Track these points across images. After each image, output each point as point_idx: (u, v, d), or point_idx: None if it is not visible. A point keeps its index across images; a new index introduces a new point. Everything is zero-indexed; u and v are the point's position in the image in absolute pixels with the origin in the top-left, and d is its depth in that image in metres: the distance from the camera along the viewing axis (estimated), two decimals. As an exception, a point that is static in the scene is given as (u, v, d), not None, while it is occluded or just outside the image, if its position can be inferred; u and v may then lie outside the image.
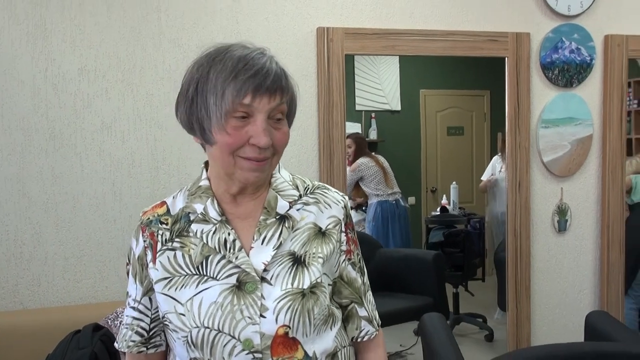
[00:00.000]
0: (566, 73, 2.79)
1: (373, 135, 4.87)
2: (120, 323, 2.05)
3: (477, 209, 4.42)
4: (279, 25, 2.46)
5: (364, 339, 1.15)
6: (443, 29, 2.64)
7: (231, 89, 0.94)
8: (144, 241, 1.07)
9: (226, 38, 2.36)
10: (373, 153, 4.28)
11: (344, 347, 1.09)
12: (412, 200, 4.95)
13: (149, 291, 1.07)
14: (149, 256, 1.06)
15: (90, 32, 2.28)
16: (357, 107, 4.52)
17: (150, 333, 1.08)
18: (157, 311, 1.07)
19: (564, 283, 2.90)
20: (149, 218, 1.09)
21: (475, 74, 4.44)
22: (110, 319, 2.06)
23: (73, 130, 2.28)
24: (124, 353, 1.10)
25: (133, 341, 1.08)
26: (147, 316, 1.08)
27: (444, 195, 4.62)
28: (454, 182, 4.60)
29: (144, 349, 1.08)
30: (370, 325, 1.16)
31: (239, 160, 0.99)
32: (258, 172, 1.00)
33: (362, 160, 3.83)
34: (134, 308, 1.08)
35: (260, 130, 0.96)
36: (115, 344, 1.11)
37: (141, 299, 1.08)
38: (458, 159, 5.06)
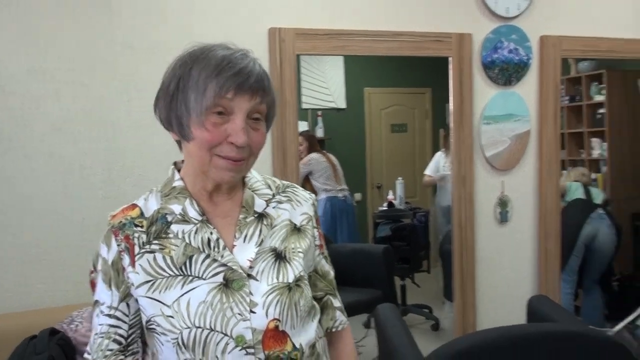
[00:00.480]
0: (505, 72, 2.93)
1: (320, 133, 4.94)
2: (76, 327, 2.03)
3: (422, 203, 4.56)
4: (232, 26, 2.48)
5: (338, 329, 1.21)
6: (391, 29, 2.72)
7: (213, 86, 0.96)
8: (118, 245, 1.04)
9: (178, 39, 2.36)
10: (324, 150, 4.35)
11: (320, 337, 1.14)
12: (358, 196, 5.05)
13: (126, 297, 1.04)
14: (126, 260, 1.03)
15: (39, 32, 2.23)
16: (304, 106, 4.58)
17: (129, 340, 1.05)
18: (135, 317, 1.05)
19: (506, 271, 3.04)
20: (120, 221, 1.05)
21: (417, 73, 4.59)
22: (65, 324, 2.04)
23: (22, 132, 2.23)
24: None
25: (110, 350, 1.04)
26: (125, 322, 1.05)
27: (390, 191, 4.75)
28: (399, 178, 4.73)
29: (122, 357, 1.05)
30: (343, 316, 1.23)
31: (215, 159, 0.99)
32: (233, 172, 1.02)
33: (312, 155, 3.90)
34: (109, 315, 1.04)
35: (238, 129, 0.97)
36: (87, 355, 1.06)
37: (118, 305, 1.04)
38: (402, 155, 5.20)
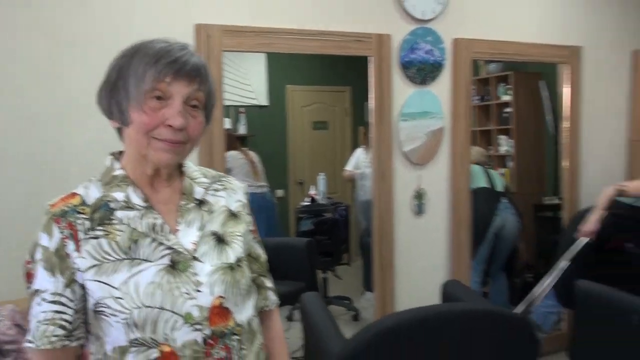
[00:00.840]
0: (422, 72, 3.10)
1: (243, 129, 4.97)
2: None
3: (343, 198, 4.70)
4: (158, 21, 2.48)
5: (270, 308, 1.30)
6: (315, 28, 2.81)
7: (152, 72, 1.01)
8: (61, 232, 1.05)
9: (103, 32, 2.34)
10: (244, 148, 4.38)
11: (255, 316, 1.21)
12: (281, 192, 5.12)
13: (71, 282, 1.05)
14: (71, 246, 1.05)
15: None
16: (226, 103, 4.58)
17: (74, 325, 1.06)
18: (80, 303, 1.06)
19: (422, 260, 3.21)
20: (62, 209, 1.07)
21: (337, 72, 4.71)
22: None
23: None
24: (37, 351, 1.05)
25: (56, 336, 1.04)
26: (71, 308, 1.06)
27: (312, 186, 4.85)
28: (321, 174, 4.85)
29: (68, 342, 1.06)
30: (274, 296, 1.32)
31: (153, 142, 1.04)
32: (171, 154, 1.06)
33: (230, 153, 3.94)
34: (54, 302, 1.05)
35: (175, 112, 1.03)
36: (29, 344, 1.05)
37: (64, 291, 1.05)
38: (324, 152, 5.32)
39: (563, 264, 2.88)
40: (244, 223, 1.22)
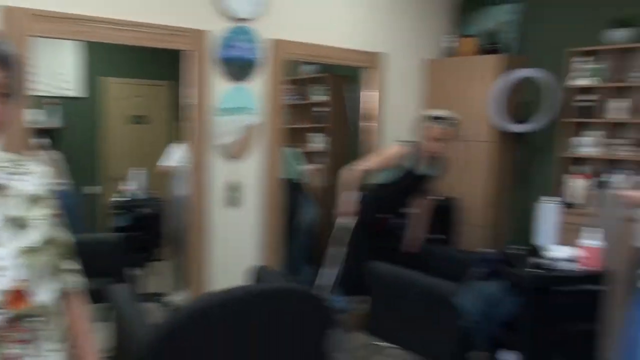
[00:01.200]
0: (239, 69, 3.21)
1: (54, 122, 4.68)
2: None
3: (160, 193, 4.64)
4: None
5: (73, 290, 1.30)
6: (132, 19, 2.77)
7: None
8: None
9: None
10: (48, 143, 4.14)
11: (59, 297, 1.22)
12: (97, 189, 4.93)
13: None
14: None
15: None
16: (35, 92, 4.30)
17: None
18: None
19: (237, 251, 3.33)
20: None
21: (156, 66, 4.66)
22: None
23: None
24: None
25: None
26: None
27: (129, 181, 4.73)
28: (138, 169, 4.74)
29: None
30: (78, 278, 1.31)
31: None
32: None
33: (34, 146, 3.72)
34: None
35: None
36: None
37: None
38: (142, 146, 5.22)
39: (332, 250, 3.13)
40: (47, 207, 1.22)
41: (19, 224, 1.14)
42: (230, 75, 3.18)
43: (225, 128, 3.18)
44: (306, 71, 5.11)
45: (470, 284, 2.45)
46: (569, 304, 2.40)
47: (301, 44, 3.47)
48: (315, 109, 5.09)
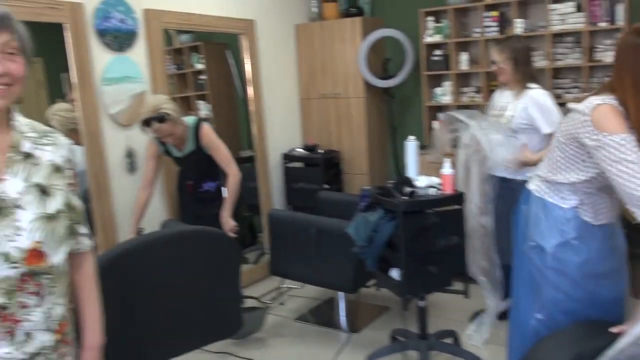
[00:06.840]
0: (117, 39, 3.31)
1: None
2: None
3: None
4: None
5: (83, 250, 1.46)
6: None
7: None
8: None
9: None
10: None
11: (67, 260, 1.36)
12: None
13: None
14: None
15: None
16: None
17: None
18: None
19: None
20: None
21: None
22: None
23: None
24: None
25: None
26: None
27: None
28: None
29: None
30: (88, 240, 1.48)
31: None
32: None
33: None
34: None
35: None
36: None
37: None
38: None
39: None
40: (66, 177, 1.35)
41: (41, 190, 1.28)
42: (110, 45, 3.27)
43: (114, 97, 3.29)
44: (183, 40, 5.19)
45: (356, 216, 2.81)
46: (436, 223, 2.81)
47: (174, 13, 3.62)
48: (195, 77, 5.21)
